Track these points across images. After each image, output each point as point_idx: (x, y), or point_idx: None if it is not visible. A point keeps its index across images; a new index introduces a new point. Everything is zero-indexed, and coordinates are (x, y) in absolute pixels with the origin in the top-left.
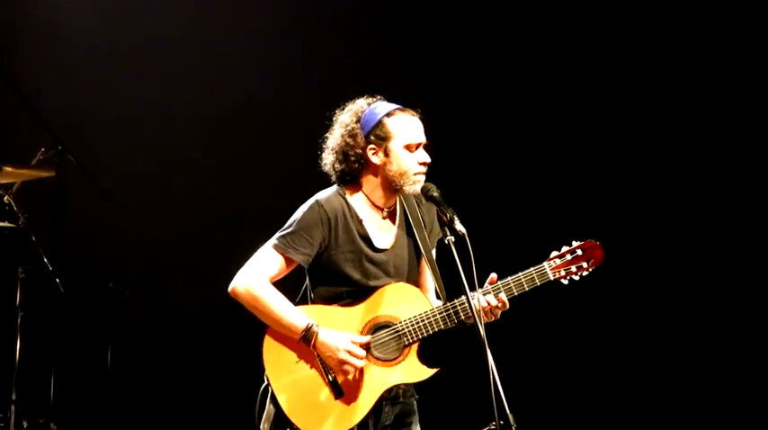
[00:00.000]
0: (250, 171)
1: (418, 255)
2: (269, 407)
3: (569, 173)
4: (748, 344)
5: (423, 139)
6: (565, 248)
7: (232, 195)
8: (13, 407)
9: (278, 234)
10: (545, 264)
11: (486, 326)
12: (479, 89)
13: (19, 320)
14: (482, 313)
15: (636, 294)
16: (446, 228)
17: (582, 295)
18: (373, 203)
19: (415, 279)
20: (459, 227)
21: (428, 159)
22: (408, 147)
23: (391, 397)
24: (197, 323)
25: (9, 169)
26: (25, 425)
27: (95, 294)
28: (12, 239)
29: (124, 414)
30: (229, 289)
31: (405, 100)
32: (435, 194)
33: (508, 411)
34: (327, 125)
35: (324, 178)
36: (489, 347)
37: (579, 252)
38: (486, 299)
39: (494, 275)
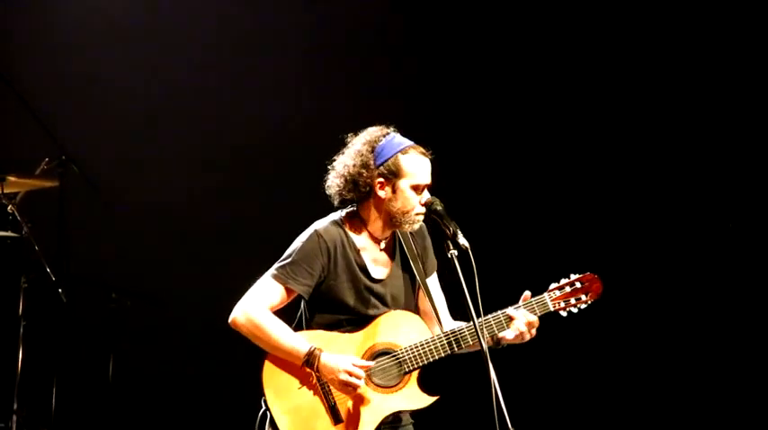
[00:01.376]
0: (254, 186)
1: (414, 285)
2: None
3: (570, 191)
4: (747, 348)
5: (429, 180)
6: (564, 281)
7: (235, 208)
8: (14, 417)
9: (277, 264)
10: (545, 295)
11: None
12: (482, 105)
13: (21, 330)
14: (521, 330)
15: (636, 308)
16: (449, 242)
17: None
18: (371, 235)
19: (412, 308)
20: (462, 240)
21: (427, 200)
22: (415, 188)
23: (389, 422)
24: (198, 334)
25: (13, 179)
26: None
27: (98, 304)
28: (15, 249)
29: (125, 424)
30: (230, 320)
31: (407, 123)
32: (439, 208)
33: (510, 427)
34: (330, 143)
35: (326, 200)
36: (491, 364)
37: (578, 285)
38: (524, 314)
39: (527, 293)
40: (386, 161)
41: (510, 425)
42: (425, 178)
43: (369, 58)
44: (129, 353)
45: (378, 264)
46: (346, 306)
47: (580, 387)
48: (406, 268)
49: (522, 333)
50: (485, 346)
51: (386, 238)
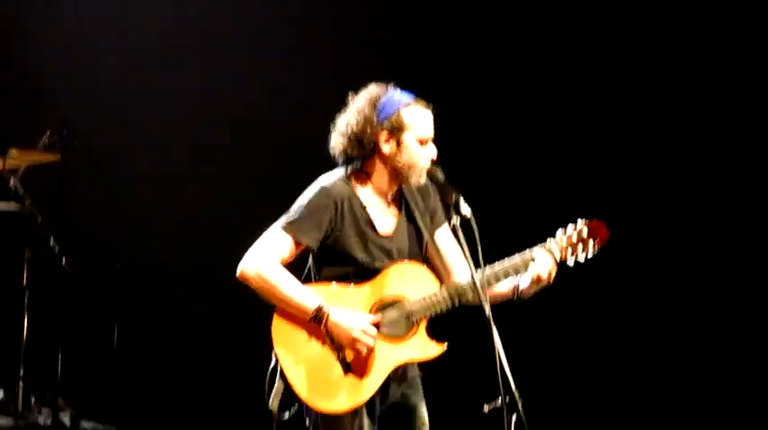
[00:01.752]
0: (257, 153)
1: (420, 240)
2: (278, 383)
3: (573, 155)
4: (750, 341)
5: (432, 134)
6: (570, 227)
7: (239, 177)
8: (20, 383)
9: (284, 218)
10: (552, 242)
11: (493, 308)
12: (484, 73)
13: (26, 299)
14: (538, 273)
15: (640, 280)
16: (451, 210)
17: (585, 278)
18: (377, 190)
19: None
20: (464, 208)
21: (435, 155)
22: (421, 141)
23: (398, 374)
24: (203, 303)
25: (15, 152)
26: (33, 400)
27: (101, 275)
28: (18, 222)
29: (131, 391)
30: (237, 272)
31: (411, 83)
32: (440, 176)
33: (514, 387)
34: (331, 109)
35: (328, 166)
36: (495, 326)
37: (585, 231)
38: (539, 262)
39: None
40: (389, 116)
41: (514, 385)
42: (429, 131)
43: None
44: (133, 321)
45: (384, 218)
46: (353, 259)
47: (589, 344)
48: (412, 223)
49: (539, 275)
50: (486, 308)
51: (392, 193)
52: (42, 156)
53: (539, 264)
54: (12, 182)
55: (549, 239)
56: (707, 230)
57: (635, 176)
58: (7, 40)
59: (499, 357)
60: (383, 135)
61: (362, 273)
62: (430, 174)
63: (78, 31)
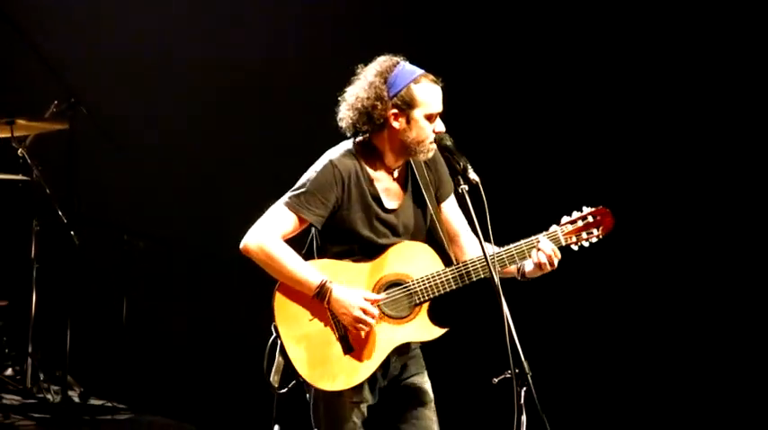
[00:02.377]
0: (266, 125)
1: (426, 215)
2: (278, 358)
3: (582, 139)
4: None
5: (441, 108)
6: (576, 214)
7: (247, 149)
8: (29, 360)
9: (290, 192)
10: (557, 229)
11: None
12: (494, 58)
13: (34, 273)
14: (541, 260)
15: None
16: (459, 177)
17: (593, 261)
18: (384, 164)
19: (422, 239)
20: (472, 175)
21: (443, 129)
22: (429, 117)
23: (399, 349)
24: (211, 275)
25: (23, 122)
26: (42, 377)
27: (110, 247)
28: (26, 192)
29: (139, 366)
30: (241, 246)
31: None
32: (449, 143)
33: (523, 359)
34: (334, 84)
35: (335, 136)
36: (504, 299)
37: (590, 218)
38: (543, 249)
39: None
40: (399, 92)
41: (523, 358)
42: (438, 106)
43: None
44: (141, 294)
45: (390, 193)
46: (358, 235)
47: (596, 325)
48: (418, 198)
49: (542, 263)
50: (496, 279)
51: (398, 168)
52: (50, 126)
53: (542, 250)
54: (19, 151)
55: (553, 226)
56: (710, 226)
57: (640, 166)
58: (14, 11)
59: (509, 330)
60: (393, 110)
61: (366, 249)
62: (438, 141)
63: (87, 2)
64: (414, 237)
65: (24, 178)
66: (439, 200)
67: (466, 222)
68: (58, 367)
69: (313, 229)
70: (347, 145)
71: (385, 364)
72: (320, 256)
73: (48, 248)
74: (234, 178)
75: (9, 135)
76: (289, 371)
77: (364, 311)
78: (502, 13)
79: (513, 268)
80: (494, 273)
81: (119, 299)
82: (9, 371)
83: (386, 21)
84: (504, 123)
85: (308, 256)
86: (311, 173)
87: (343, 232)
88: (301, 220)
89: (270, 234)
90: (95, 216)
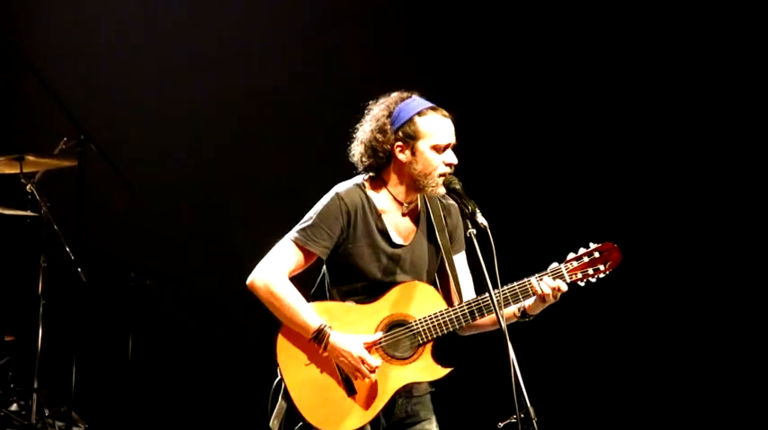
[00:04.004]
0: (273, 163)
1: (437, 255)
2: (281, 402)
3: (586, 173)
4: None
5: (452, 141)
6: (582, 250)
7: (254, 187)
8: (34, 395)
9: (297, 227)
10: (561, 266)
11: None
12: (500, 89)
13: (41, 309)
14: (544, 292)
15: (649, 294)
16: (468, 221)
17: (598, 293)
18: (394, 198)
19: (432, 278)
20: (480, 219)
21: (455, 161)
22: (436, 149)
23: (404, 392)
24: (217, 313)
25: (32, 158)
26: (47, 413)
27: (117, 283)
28: (34, 228)
29: (144, 403)
30: (247, 282)
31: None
32: (457, 187)
33: (529, 404)
34: (351, 118)
35: (348, 171)
36: (509, 341)
37: (596, 254)
38: (546, 281)
39: (555, 264)
40: (402, 125)
41: (528, 402)
42: (445, 138)
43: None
44: (148, 331)
45: (399, 229)
46: (363, 272)
47: (602, 363)
48: (431, 238)
49: (545, 294)
50: (503, 323)
51: (410, 203)
52: (59, 162)
53: (546, 282)
54: (28, 187)
55: (554, 263)
56: (710, 230)
57: (646, 193)
58: (25, 48)
59: (514, 372)
60: (398, 143)
61: (372, 287)
62: (447, 184)
63: (97, 39)
64: (421, 277)
65: (33, 214)
66: (453, 249)
67: (470, 280)
68: (64, 403)
69: (323, 268)
70: (356, 179)
71: (390, 406)
72: (330, 295)
73: (55, 284)
74: (241, 217)
75: (18, 171)
76: (291, 415)
77: (362, 361)
78: (510, 66)
79: (513, 309)
80: (500, 316)
81: (125, 335)
82: (14, 407)
83: (407, 50)
84: (512, 158)
85: (318, 295)
86: (317, 206)
87: (348, 267)
88: (307, 254)
89: (276, 272)
90: (103, 253)
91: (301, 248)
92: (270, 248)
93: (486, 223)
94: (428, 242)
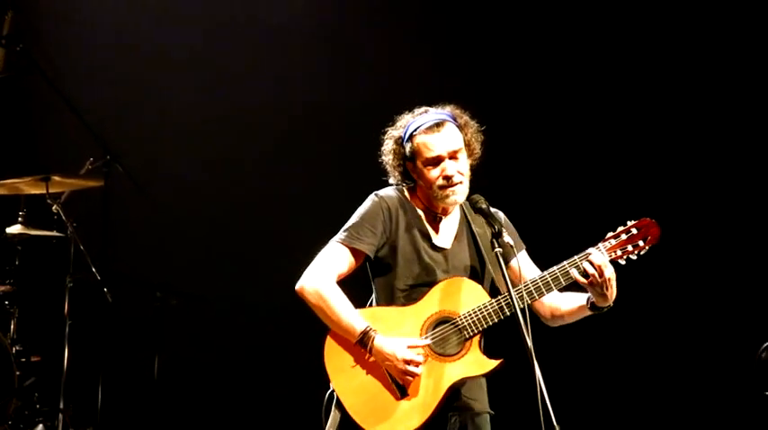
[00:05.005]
0: (300, 182)
1: (481, 261)
2: (334, 412)
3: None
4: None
5: (442, 151)
6: (620, 228)
7: (281, 206)
8: (60, 416)
9: (341, 230)
10: (600, 245)
11: (534, 337)
12: (521, 78)
13: (67, 329)
14: (589, 271)
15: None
16: (494, 241)
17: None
18: (428, 205)
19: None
20: (507, 239)
21: (451, 172)
22: (429, 164)
23: (459, 407)
24: (242, 332)
25: (58, 178)
26: None
27: (142, 303)
28: (60, 249)
29: (171, 423)
30: (297, 287)
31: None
32: (483, 206)
33: (555, 423)
34: (377, 133)
35: (375, 188)
36: (537, 359)
37: (634, 231)
38: (592, 262)
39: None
40: (406, 146)
41: (554, 421)
42: (434, 151)
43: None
44: (174, 351)
45: (440, 232)
46: (407, 272)
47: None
48: (473, 242)
49: (590, 274)
50: (528, 341)
51: (444, 211)
52: (85, 182)
53: (591, 260)
54: (54, 208)
55: (597, 244)
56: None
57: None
58: (51, 69)
59: (541, 391)
60: (407, 162)
61: (416, 290)
62: (473, 203)
63: (125, 59)
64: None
65: (59, 234)
66: (506, 258)
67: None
68: (90, 423)
69: (369, 272)
70: (394, 186)
71: (441, 422)
72: (377, 301)
73: (81, 305)
74: (266, 236)
75: (44, 191)
76: (345, 423)
77: (407, 362)
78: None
79: (581, 301)
80: (526, 333)
81: (151, 355)
82: (40, 428)
83: (435, 62)
84: (544, 151)
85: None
86: (359, 209)
87: (391, 269)
88: (355, 254)
89: (326, 276)
90: (128, 273)
91: (348, 248)
92: (296, 268)
93: (512, 242)
94: (470, 247)
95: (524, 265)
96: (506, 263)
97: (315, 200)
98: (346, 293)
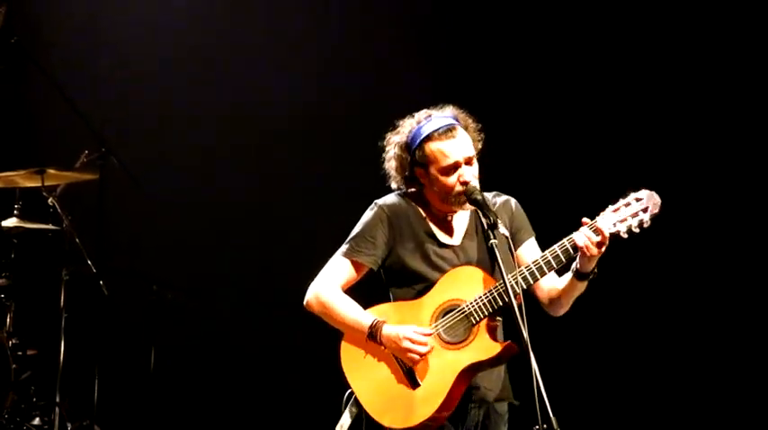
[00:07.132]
0: (299, 177)
1: (492, 256)
2: (350, 409)
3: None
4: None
5: (459, 158)
6: (621, 201)
7: (277, 199)
8: (57, 409)
9: (345, 242)
10: (597, 218)
11: (529, 328)
12: (518, 71)
13: (63, 322)
14: (588, 248)
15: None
16: (490, 232)
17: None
18: (435, 206)
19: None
20: (502, 230)
21: (468, 178)
22: (446, 172)
23: (478, 398)
24: (239, 326)
25: (53, 172)
26: (69, 427)
27: (138, 297)
28: (56, 242)
29: (167, 416)
30: (304, 302)
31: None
32: (479, 198)
33: (551, 415)
34: (383, 132)
35: (377, 185)
36: (533, 351)
37: (635, 202)
38: (585, 234)
39: (585, 219)
40: (416, 152)
41: (551, 413)
42: (451, 158)
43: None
44: (170, 344)
45: (446, 230)
46: (417, 274)
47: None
48: (484, 238)
49: (585, 246)
50: (525, 334)
51: (452, 212)
52: (81, 175)
53: (582, 232)
54: (50, 201)
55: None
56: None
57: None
58: (46, 61)
59: (537, 383)
60: (418, 170)
61: (427, 288)
62: (468, 195)
63: (120, 53)
64: None
65: (54, 227)
66: (515, 244)
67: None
68: (86, 417)
69: (384, 280)
70: (398, 191)
71: (462, 414)
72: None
73: (77, 298)
74: (263, 228)
75: (40, 184)
76: (359, 421)
77: (411, 340)
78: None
79: (568, 278)
80: (522, 326)
81: (147, 348)
82: (37, 421)
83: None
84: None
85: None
86: (360, 219)
87: (401, 273)
88: (357, 266)
89: (326, 285)
90: (124, 266)
91: (349, 260)
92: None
93: (507, 234)
94: (480, 244)
95: (530, 253)
96: (515, 249)
97: (310, 195)
98: (360, 303)
